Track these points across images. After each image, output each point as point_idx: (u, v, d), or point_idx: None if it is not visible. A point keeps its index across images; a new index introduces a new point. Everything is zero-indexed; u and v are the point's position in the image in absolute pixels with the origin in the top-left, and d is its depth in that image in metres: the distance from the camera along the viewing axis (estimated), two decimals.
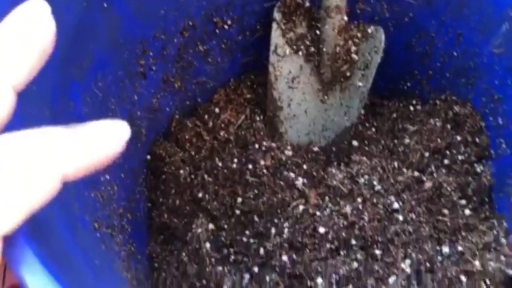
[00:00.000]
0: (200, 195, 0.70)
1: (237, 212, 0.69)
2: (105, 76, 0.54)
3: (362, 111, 0.80)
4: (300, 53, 0.71)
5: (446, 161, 0.71)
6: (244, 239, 0.67)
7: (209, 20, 0.67)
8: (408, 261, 0.62)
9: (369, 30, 0.67)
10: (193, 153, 0.72)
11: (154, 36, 0.61)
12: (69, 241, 0.36)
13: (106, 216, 0.52)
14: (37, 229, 0.28)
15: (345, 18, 0.65)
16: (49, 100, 0.42)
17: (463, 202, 0.69)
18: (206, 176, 0.71)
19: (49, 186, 0.26)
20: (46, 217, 0.33)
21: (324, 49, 0.68)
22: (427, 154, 0.71)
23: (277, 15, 0.69)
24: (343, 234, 0.64)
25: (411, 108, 0.77)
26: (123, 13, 0.52)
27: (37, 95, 0.40)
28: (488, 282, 0.59)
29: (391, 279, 0.60)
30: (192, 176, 0.71)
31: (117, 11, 0.51)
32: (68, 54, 0.45)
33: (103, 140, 0.28)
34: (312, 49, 0.70)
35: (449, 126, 0.71)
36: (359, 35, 0.66)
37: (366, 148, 0.74)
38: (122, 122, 0.30)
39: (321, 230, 0.64)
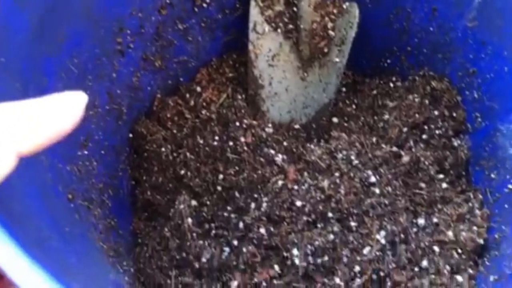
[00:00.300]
0: (182, 172, 0.71)
1: (219, 188, 0.70)
2: (81, 53, 0.55)
3: (343, 89, 0.81)
4: (279, 30, 0.72)
5: (424, 136, 0.72)
6: (225, 214, 0.68)
7: None
8: (383, 233, 0.63)
9: (344, 6, 0.67)
10: (175, 131, 0.73)
11: (131, 14, 0.61)
12: (37, 207, 0.37)
13: (84, 190, 0.53)
14: None
15: None
16: (20, 72, 0.43)
17: (440, 176, 0.70)
18: (188, 154, 0.72)
19: (4, 164, 0.27)
20: (11, 183, 0.34)
21: (302, 26, 0.69)
22: (405, 129, 0.72)
23: None
24: (320, 207, 0.65)
25: (391, 84, 0.78)
26: None
27: (7, 66, 0.41)
28: (459, 251, 0.61)
29: (366, 250, 0.62)
30: (175, 154, 0.72)
31: None
32: (40, 29, 0.46)
33: (57, 113, 0.29)
34: (291, 26, 0.71)
35: (427, 101, 0.72)
36: (335, 11, 0.67)
37: (346, 125, 0.76)
38: (77, 92, 0.31)
39: (298, 203, 0.65)
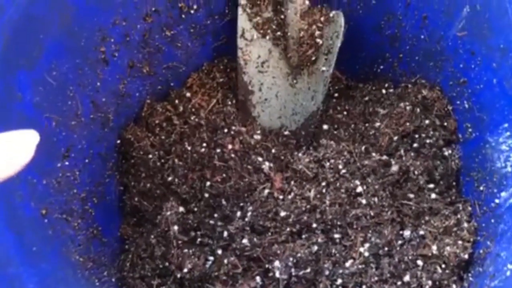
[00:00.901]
0: (170, 178, 0.71)
1: (206, 195, 0.70)
2: (60, 65, 0.55)
3: (336, 95, 0.80)
4: (267, 37, 0.71)
5: (415, 145, 0.71)
6: (211, 222, 0.68)
7: (173, 6, 0.68)
8: (367, 245, 0.62)
9: (331, 14, 0.66)
10: (163, 137, 0.73)
11: (114, 23, 0.61)
12: (1, 227, 0.37)
13: (62, 202, 0.54)
14: None
15: (307, 2, 0.65)
16: None
17: (430, 186, 0.69)
18: (176, 160, 0.72)
19: None
20: None
21: (289, 34, 0.68)
22: (396, 137, 0.71)
23: None
24: (305, 217, 0.64)
25: (383, 91, 0.77)
26: (74, 2, 0.53)
27: None
28: (443, 266, 0.60)
29: (348, 263, 0.61)
30: (162, 160, 0.72)
31: (66, 2, 0.52)
32: (13, 44, 0.46)
33: (8, 152, 0.29)
34: (279, 33, 0.70)
35: (418, 110, 0.71)
36: (322, 19, 0.66)
37: (335, 132, 0.75)
38: (30, 131, 0.31)
39: (283, 213, 0.65)
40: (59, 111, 0.55)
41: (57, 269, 0.44)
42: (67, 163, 0.57)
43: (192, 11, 0.70)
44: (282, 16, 0.68)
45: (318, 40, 0.67)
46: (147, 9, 0.65)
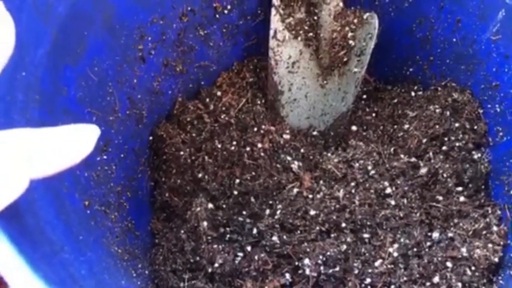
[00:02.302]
0: (200, 175, 0.72)
1: (235, 192, 0.71)
2: (102, 61, 0.56)
3: (364, 96, 0.81)
4: (299, 38, 0.72)
5: (444, 148, 0.71)
6: (240, 219, 0.69)
7: (208, 5, 0.69)
8: (396, 246, 0.63)
9: (364, 16, 0.67)
10: (194, 135, 0.74)
11: (152, 22, 0.62)
12: (51, 218, 0.39)
13: (101, 195, 0.55)
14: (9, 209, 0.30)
15: (341, 4, 0.66)
16: (39, 84, 0.45)
17: (459, 188, 0.69)
18: (206, 158, 0.73)
19: (17, 187, 0.29)
20: (26, 196, 0.35)
21: (322, 35, 0.69)
22: (425, 140, 0.72)
23: (275, 0, 0.70)
24: (334, 217, 0.65)
25: (412, 93, 0.77)
26: (117, 1, 0.54)
27: (26, 79, 0.43)
28: (473, 268, 0.60)
29: (378, 262, 0.62)
30: (193, 157, 0.74)
31: (110, 0, 0.53)
32: (60, 41, 0.48)
33: (69, 144, 0.31)
34: (311, 34, 0.71)
35: (447, 113, 0.71)
36: (355, 21, 0.67)
37: (364, 133, 0.75)
38: (91, 125, 0.32)
39: (312, 212, 0.65)
40: (99, 107, 0.57)
41: (101, 259, 0.46)
42: (105, 157, 0.58)
43: (225, 11, 0.71)
44: (315, 18, 0.69)
45: (350, 41, 0.68)
46: (183, 9, 0.66)
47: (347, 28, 0.67)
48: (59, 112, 0.49)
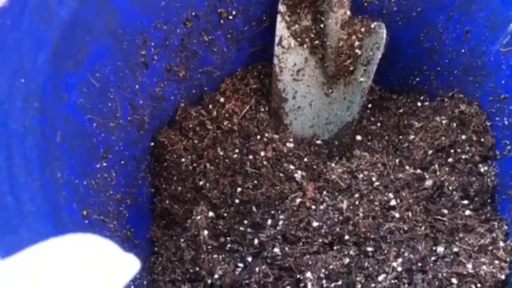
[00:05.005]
0: (201, 183, 0.71)
1: (236, 201, 0.70)
2: (103, 67, 0.55)
3: (369, 105, 0.80)
4: (305, 45, 0.71)
5: (449, 160, 0.70)
6: (241, 229, 0.68)
7: (213, 11, 0.68)
8: (400, 260, 0.62)
9: (372, 26, 0.66)
10: (196, 141, 0.73)
11: (155, 27, 0.61)
12: (47, 230, 0.38)
13: (100, 203, 0.54)
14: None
15: (348, 12, 0.65)
16: (39, 91, 0.44)
17: (465, 202, 0.68)
18: (208, 165, 0.72)
19: None
20: (22, 209, 0.34)
21: (328, 43, 0.68)
22: (430, 152, 0.70)
23: (281, 7, 0.69)
24: (337, 229, 0.64)
25: (419, 104, 0.76)
26: (119, 6, 0.53)
27: (26, 86, 0.41)
28: (479, 285, 0.59)
29: (381, 277, 0.61)
30: (194, 164, 0.72)
31: (113, 5, 0.52)
32: (62, 47, 0.47)
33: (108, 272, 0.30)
34: (317, 42, 0.70)
35: (454, 125, 0.70)
36: (362, 30, 0.65)
37: (369, 143, 0.74)
38: (131, 256, 0.31)
39: (315, 224, 0.64)
40: (100, 113, 0.56)
41: None
42: (105, 164, 0.57)
43: (230, 17, 0.70)
44: (321, 25, 0.68)
45: (357, 50, 0.67)
46: (188, 14, 0.65)
47: (354, 37, 0.66)
48: (59, 119, 0.48)
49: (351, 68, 0.69)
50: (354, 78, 0.70)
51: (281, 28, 0.70)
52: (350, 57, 0.67)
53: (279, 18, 0.69)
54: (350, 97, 0.72)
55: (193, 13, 0.66)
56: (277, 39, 0.71)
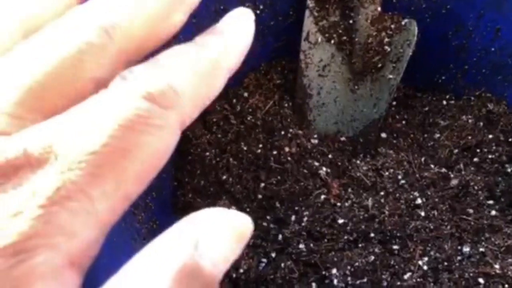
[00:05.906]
0: (224, 177, 0.71)
1: (259, 196, 0.70)
2: None
3: (394, 103, 0.79)
4: (332, 41, 0.71)
5: (475, 159, 0.69)
6: (264, 224, 0.68)
7: (241, 4, 0.67)
8: (425, 259, 0.61)
9: (403, 22, 0.65)
10: (219, 136, 0.73)
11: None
12: None
13: None
14: None
15: (379, 8, 0.64)
16: None
17: (490, 202, 0.67)
18: (231, 159, 0.72)
19: (222, 80, 0.26)
20: None
21: (357, 39, 0.67)
22: (456, 151, 0.70)
23: (310, 2, 0.68)
24: (362, 226, 0.64)
25: (444, 102, 0.75)
26: None
27: None
28: (506, 286, 0.58)
29: (407, 275, 0.60)
30: (218, 159, 0.72)
31: None
32: None
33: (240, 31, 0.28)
34: (345, 38, 0.69)
35: (481, 124, 0.70)
36: (392, 26, 0.65)
37: (394, 141, 0.74)
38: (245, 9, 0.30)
39: (340, 221, 0.64)
40: None
41: None
42: None
43: (258, 11, 0.70)
44: (350, 21, 0.68)
45: (386, 47, 0.66)
46: (216, 7, 0.65)
47: (383, 33, 0.65)
48: None
49: (379, 65, 0.69)
50: (382, 75, 0.69)
51: (308, 23, 0.70)
52: (379, 54, 0.67)
53: (307, 13, 0.69)
54: (378, 94, 0.71)
55: (221, 7, 0.65)
56: (304, 34, 0.71)
